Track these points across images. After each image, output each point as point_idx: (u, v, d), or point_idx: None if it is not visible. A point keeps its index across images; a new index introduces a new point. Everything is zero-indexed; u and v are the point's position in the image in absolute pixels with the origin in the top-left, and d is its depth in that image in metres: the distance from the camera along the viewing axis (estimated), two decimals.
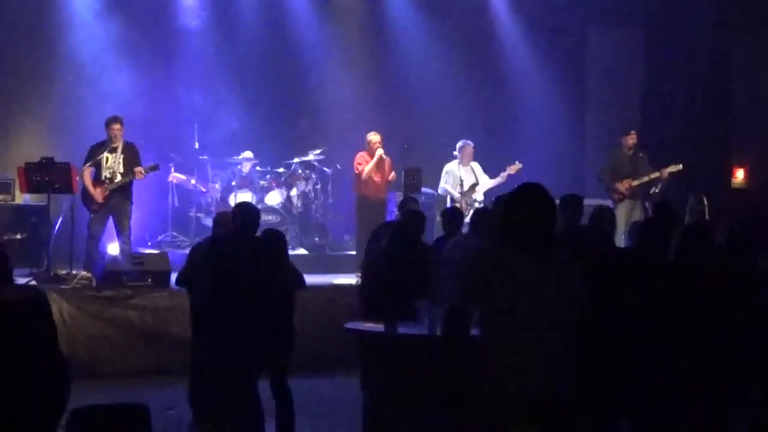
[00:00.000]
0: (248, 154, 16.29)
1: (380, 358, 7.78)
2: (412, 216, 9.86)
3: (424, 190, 15.26)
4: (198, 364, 9.20)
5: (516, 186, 5.51)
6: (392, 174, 15.31)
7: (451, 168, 15.36)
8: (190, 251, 9.91)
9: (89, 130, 14.48)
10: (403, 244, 8.88)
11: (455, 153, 15.46)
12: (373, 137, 15.25)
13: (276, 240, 8.57)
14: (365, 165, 15.17)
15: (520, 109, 18.48)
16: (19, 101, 15.94)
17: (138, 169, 13.43)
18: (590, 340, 5.71)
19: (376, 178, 15.20)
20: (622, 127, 16.15)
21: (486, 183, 15.37)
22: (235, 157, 16.28)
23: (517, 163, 15.39)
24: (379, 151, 15.15)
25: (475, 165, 15.57)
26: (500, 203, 9.34)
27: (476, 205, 14.95)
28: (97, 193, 13.32)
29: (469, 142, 15.53)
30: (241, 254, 8.35)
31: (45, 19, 16.14)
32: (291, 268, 8.62)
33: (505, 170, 15.37)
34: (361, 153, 15.32)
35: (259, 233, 8.83)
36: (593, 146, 18.34)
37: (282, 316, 8.30)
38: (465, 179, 15.22)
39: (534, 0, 18.38)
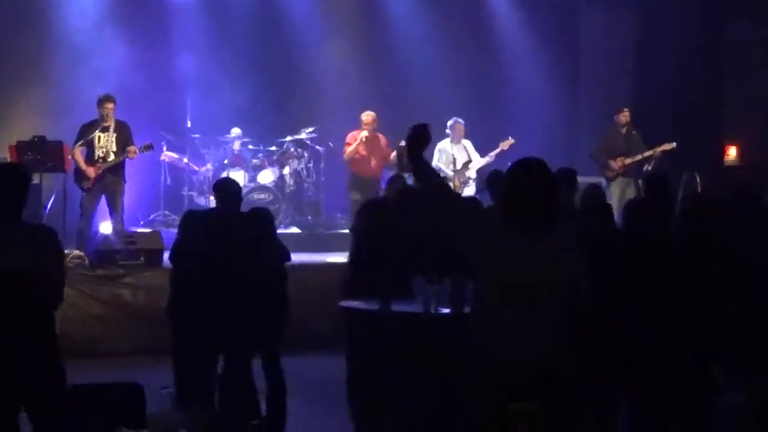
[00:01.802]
0: (236, 130, 16.27)
1: (374, 337, 7.76)
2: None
3: None
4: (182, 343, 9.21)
5: (513, 162, 5.42)
6: (393, 154, 15.20)
7: (443, 146, 15.34)
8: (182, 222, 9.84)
9: (81, 109, 14.43)
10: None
11: (447, 131, 15.44)
12: (364, 117, 15.20)
13: (261, 218, 8.58)
14: (351, 145, 15.14)
15: (513, 88, 18.46)
16: (9, 80, 15.85)
17: (131, 148, 13.41)
18: (589, 322, 5.70)
19: (365, 155, 15.14)
20: (615, 105, 16.15)
21: (478, 160, 15.34)
22: (227, 136, 16.26)
23: (509, 138, 15.33)
24: (363, 133, 15.08)
25: (467, 143, 15.54)
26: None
27: (470, 183, 15.00)
28: (90, 172, 13.30)
29: (459, 119, 15.50)
30: (220, 230, 8.36)
31: None
32: (278, 245, 8.61)
33: (497, 147, 15.33)
34: (353, 132, 15.29)
35: (246, 211, 8.87)
36: (586, 125, 18.35)
37: (270, 295, 8.28)
38: (457, 157, 15.20)
39: None
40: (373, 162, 15.15)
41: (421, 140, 5.60)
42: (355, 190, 14.89)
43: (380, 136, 15.27)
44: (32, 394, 5.85)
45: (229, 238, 8.24)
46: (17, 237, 5.83)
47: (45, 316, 5.95)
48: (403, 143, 14.83)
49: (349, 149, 15.11)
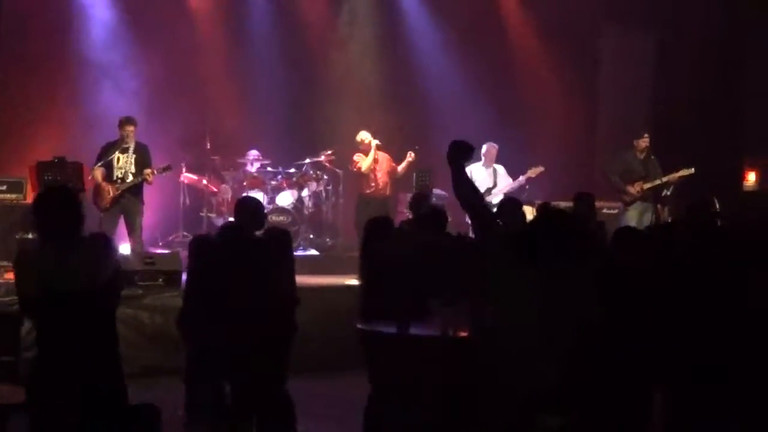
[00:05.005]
0: (254, 152, 16.31)
1: (391, 360, 7.74)
2: (438, 213, 9.71)
3: (436, 191, 15.23)
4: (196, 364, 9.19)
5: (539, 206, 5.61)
6: (399, 167, 15.42)
7: (472, 170, 15.25)
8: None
9: (102, 129, 14.51)
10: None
11: (482, 154, 15.44)
12: (363, 137, 15.39)
13: (280, 238, 8.55)
14: (361, 162, 15.25)
15: (531, 110, 18.46)
16: (30, 100, 15.89)
17: (148, 171, 13.49)
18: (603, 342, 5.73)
19: (379, 175, 15.30)
20: (634, 128, 16.13)
21: (504, 186, 15.29)
22: (246, 158, 16.30)
23: (539, 166, 15.33)
24: (374, 142, 15.25)
25: (499, 167, 15.53)
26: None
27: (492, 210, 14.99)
28: (108, 193, 13.36)
29: (493, 144, 15.53)
30: (239, 249, 8.33)
31: (56, 17, 16.14)
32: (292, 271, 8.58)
33: (525, 173, 15.31)
34: (357, 154, 15.40)
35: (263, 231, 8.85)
36: (604, 148, 18.31)
37: (279, 320, 8.25)
38: (482, 182, 15.12)
39: (547, 1, 18.37)
40: (383, 181, 15.30)
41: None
42: (364, 211, 14.82)
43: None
44: (94, 411, 5.95)
45: (241, 258, 8.21)
46: (74, 252, 5.92)
47: (108, 325, 6.09)
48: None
49: (365, 163, 15.22)
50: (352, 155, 15.65)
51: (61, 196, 6.22)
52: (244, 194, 15.27)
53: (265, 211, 14.77)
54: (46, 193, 6.36)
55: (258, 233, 8.71)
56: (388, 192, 15.53)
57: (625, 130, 16.69)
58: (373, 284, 8.42)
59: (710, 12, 17.70)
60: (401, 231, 9.32)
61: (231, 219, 10.72)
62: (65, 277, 5.77)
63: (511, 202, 10.31)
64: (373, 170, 15.34)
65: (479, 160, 15.41)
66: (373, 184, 15.35)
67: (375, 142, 15.34)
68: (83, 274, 5.83)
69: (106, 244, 6.16)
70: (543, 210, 5.64)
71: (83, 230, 6.11)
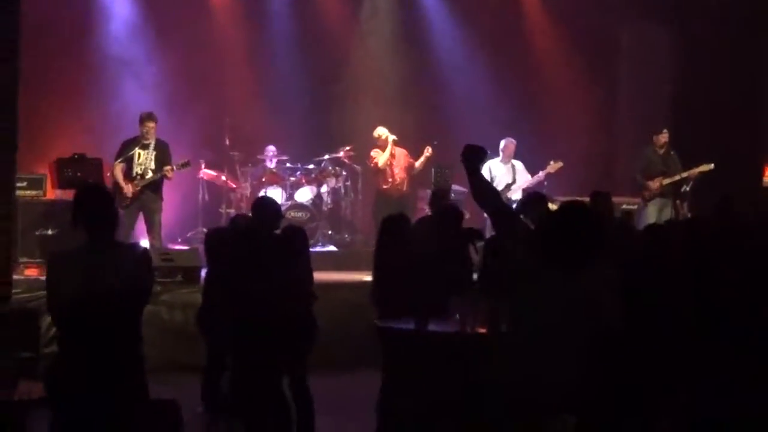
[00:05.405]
0: (272, 148, 16.33)
1: (408, 356, 7.75)
2: (453, 210, 9.72)
3: (454, 187, 15.21)
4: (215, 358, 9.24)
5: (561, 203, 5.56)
6: (416, 163, 15.44)
7: (490, 166, 15.20)
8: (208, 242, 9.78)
9: (121, 126, 14.56)
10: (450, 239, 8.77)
11: (500, 149, 15.41)
12: (380, 132, 15.38)
13: (296, 237, 8.57)
14: (378, 157, 15.26)
15: (550, 106, 18.43)
16: (50, 97, 15.92)
17: (167, 168, 13.51)
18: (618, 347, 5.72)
19: (396, 171, 15.33)
20: (653, 124, 16.10)
21: (523, 182, 15.27)
22: (265, 154, 16.31)
23: (558, 161, 15.30)
24: (391, 137, 15.28)
25: (517, 163, 15.50)
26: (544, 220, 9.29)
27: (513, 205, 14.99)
28: (128, 189, 13.40)
29: (511, 139, 15.50)
30: (256, 246, 8.34)
31: (76, 13, 16.18)
32: (308, 268, 8.58)
33: (544, 169, 15.30)
34: (375, 149, 15.42)
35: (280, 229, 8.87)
36: (624, 143, 18.28)
37: (297, 316, 8.26)
38: (502, 178, 15.13)
39: None
40: (400, 177, 15.32)
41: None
42: (381, 207, 14.77)
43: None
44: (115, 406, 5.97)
45: (258, 255, 8.23)
46: (121, 258, 5.91)
47: (133, 322, 6.09)
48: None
49: (382, 157, 15.23)
50: (371, 151, 15.65)
51: (98, 195, 6.23)
52: (263, 191, 15.35)
53: (284, 207, 14.95)
54: (85, 191, 6.32)
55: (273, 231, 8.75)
56: (405, 188, 15.53)
57: (644, 125, 16.66)
58: (390, 281, 8.43)
59: (729, 8, 17.61)
60: (417, 228, 9.32)
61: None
62: (97, 278, 5.77)
63: (536, 196, 10.29)
64: (390, 165, 15.35)
65: (497, 155, 15.39)
66: (390, 180, 15.37)
67: (392, 138, 15.35)
68: (115, 274, 5.82)
69: (137, 246, 6.16)
70: (565, 209, 5.59)
71: (116, 232, 6.08)
